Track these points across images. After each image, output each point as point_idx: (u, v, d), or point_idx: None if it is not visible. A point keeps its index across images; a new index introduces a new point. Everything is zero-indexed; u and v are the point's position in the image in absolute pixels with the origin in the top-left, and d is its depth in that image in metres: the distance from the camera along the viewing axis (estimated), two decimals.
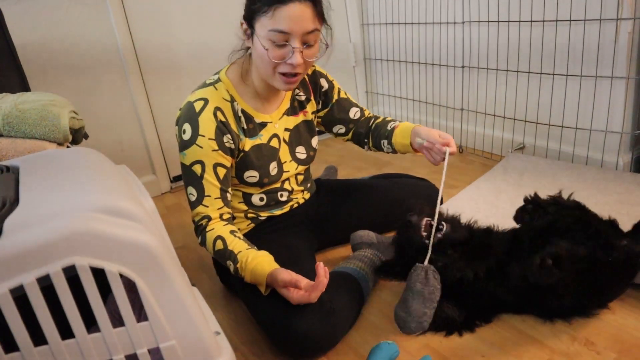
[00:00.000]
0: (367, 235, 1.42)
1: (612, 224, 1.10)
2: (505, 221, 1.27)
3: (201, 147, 1.14)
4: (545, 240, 1.12)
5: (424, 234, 1.14)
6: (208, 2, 2.12)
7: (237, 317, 1.31)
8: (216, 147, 1.15)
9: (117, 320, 0.67)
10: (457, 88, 2.24)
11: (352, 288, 1.21)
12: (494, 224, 1.23)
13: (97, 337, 0.65)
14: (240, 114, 1.21)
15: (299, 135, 1.34)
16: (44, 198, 0.66)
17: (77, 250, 0.60)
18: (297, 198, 1.39)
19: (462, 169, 2.03)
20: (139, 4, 1.97)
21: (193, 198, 1.17)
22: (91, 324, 0.64)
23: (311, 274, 1.06)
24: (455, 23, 2.13)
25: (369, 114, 1.47)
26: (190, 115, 1.15)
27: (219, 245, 1.13)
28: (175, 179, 2.25)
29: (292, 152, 1.33)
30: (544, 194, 1.65)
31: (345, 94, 1.43)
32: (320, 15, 1.11)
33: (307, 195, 1.43)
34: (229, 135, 1.17)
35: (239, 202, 1.30)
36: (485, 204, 1.67)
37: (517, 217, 1.14)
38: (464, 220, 1.25)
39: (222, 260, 1.15)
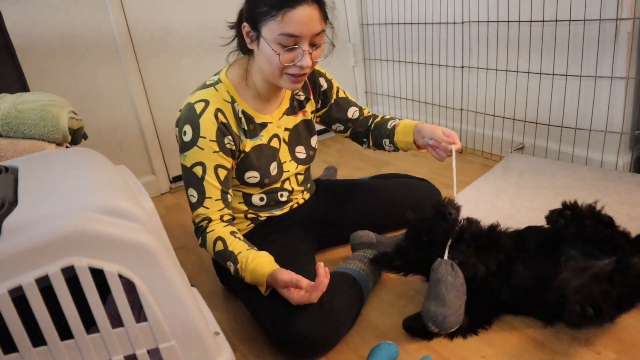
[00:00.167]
0: (366, 235, 1.42)
1: (628, 237, 1.10)
2: (505, 221, 1.26)
3: (202, 149, 1.14)
4: (554, 245, 1.12)
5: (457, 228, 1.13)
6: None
7: (237, 317, 1.30)
8: (217, 149, 1.15)
9: (116, 321, 0.66)
10: (456, 88, 2.24)
11: (352, 288, 1.21)
12: (497, 221, 1.23)
13: (96, 337, 0.65)
14: (240, 115, 1.21)
15: (299, 135, 1.34)
16: (43, 198, 0.66)
17: (76, 251, 0.60)
18: (297, 198, 1.39)
19: (462, 169, 2.03)
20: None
21: (194, 199, 1.17)
22: (90, 324, 0.64)
23: (311, 275, 1.06)
24: (454, 23, 2.13)
25: (368, 112, 1.47)
26: (190, 117, 1.15)
27: (219, 246, 1.13)
28: (175, 179, 2.25)
29: (292, 152, 1.33)
30: (544, 195, 1.65)
31: (344, 93, 1.43)
32: (325, 16, 1.11)
33: (307, 196, 1.43)
34: (229, 137, 1.17)
35: (239, 203, 1.30)
36: (485, 204, 1.67)
37: (551, 219, 1.13)
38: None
39: (223, 261, 1.15)
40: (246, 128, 1.22)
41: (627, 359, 1.00)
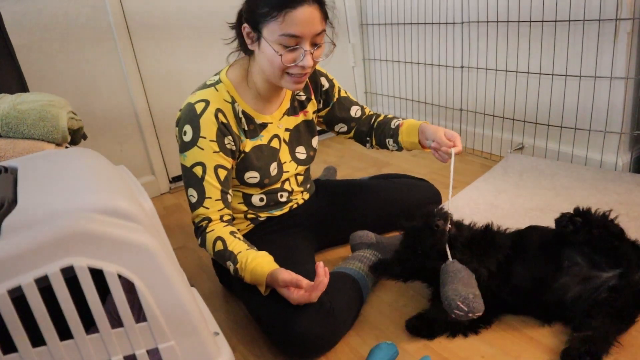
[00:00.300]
0: (366, 235, 1.42)
1: (636, 249, 1.10)
2: (505, 221, 1.27)
3: (202, 149, 1.14)
4: (556, 248, 1.12)
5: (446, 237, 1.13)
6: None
7: (236, 317, 1.30)
8: (217, 149, 1.15)
9: (115, 321, 0.66)
10: (456, 88, 2.24)
11: (351, 288, 1.21)
12: (492, 222, 1.23)
13: (96, 337, 0.65)
14: (241, 115, 1.21)
15: (299, 136, 1.34)
16: (43, 199, 0.66)
17: (75, 251, 0.60)
18: (296, 199, 1.39)
19: (462, 169, 2.03)
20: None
21: (194, 200, 1.17)
22: (90, 324, 0.64)
23: (311, 275, 1.06)
24: (454, 23, 2.13)
25: (369, 112, 1.47)
26: (191, 117, 1.15)
27: (219, 246, 1.13)
28: (174, 179, 2.25)
29: (292, 152, 1.33)
30: (544, 195, 1.65)
31: (346, 92, 1.43)
32: (326, 16, 1.11)
33: (306, 196, 1.43)
34: (230, 137, 1.17)
35: (239, 203, 1.30)
36: (485, 205, 1.67)
37: (562, 224, 1.12)
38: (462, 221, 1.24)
39: (222, 261, 1.14)
40: (246, 128, 1.22)
41: (627, 359, 1.00)
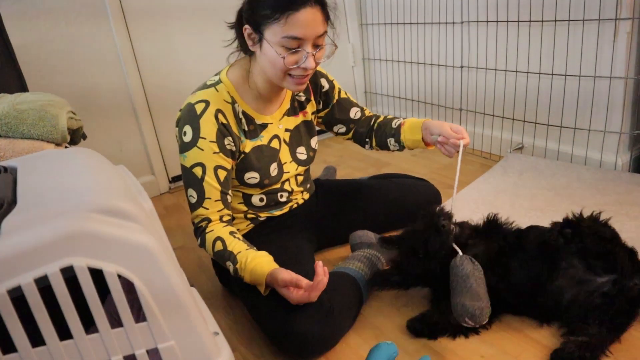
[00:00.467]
0: (366, 235, 1.42)
1: (632, 255, 1.10)
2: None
3: (202, 150, 1.14)
4: (555, 250, 1.11)
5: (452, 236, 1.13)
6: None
7: (236, 317, 1.30)
8: (217, 150, 1.15)
9: (115, 321, 0.66)
10: (455, 88, 2.24)
11: (351, 288, 1.21)
12: (492, 213, 1.24)
13: (96, 337, 0.65)
14: (241, 115, 1.21)
15: (300, 136, 1.34)
16: (42, 198, 0.66)
17: (75, 251, 0.60)
18: (296, 199, 1.39)
19: (461, 169, 2.01)
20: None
21: (193, 200, 1.17)
22: (89, 324, 0.64)
23: (310, 274, 1.06)
24: (454, 23, 2.13)
25: (369, 113, 1.47)
26: (191, 117, 1.14)
27: (219, 246, 1.13)
28: (174, 179, 2.25)
29: (293, 153, 1.33)
30: (543, 195, 1.65)
31: (346, 93, 1.43)
32: (327, 17, 1.11)
33: (306, 196, 1.43)
34: (230, 138, 1.17)
35: (239, 203, 1.30)
36: (485, 204, 1.67)
37: (552, 238, 1.12)
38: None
39: (222, 261, 1.14)
40: (246, 129, 1.22)
41: (626, 359, 1.00)
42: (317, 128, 1.43)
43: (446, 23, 2.17)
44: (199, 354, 0.72)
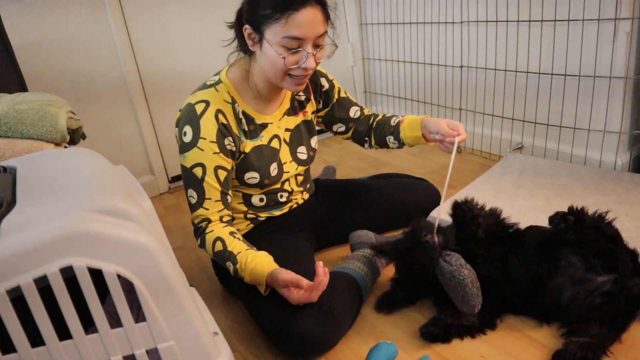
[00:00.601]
0: (365, 235, 1.42)
1: (633, 256, 1.10)
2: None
3: (202, 150, 1.14)
4: (555, 249, 1.12)
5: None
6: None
7: (236, 317, 1.30)
8: (217, 150, 1.15)
9: (115, 321, 0.66)
10: (455, 88, 2.24)
11: (351, 288, 1.21)
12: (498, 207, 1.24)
13: (95, 338, 0.65)
14: (241, 115, 1.20)
15: (300, 136, 1.34)
16: (42, 198, 0.66)
17: (74, 251, 0.60)
18: (296, 199, 1.39)
19: (461, 169, 2.03)
20: (138, 5, 1.97)
21: (193, 200, 1.17)
22: (89, 324, 0.64)
23: (310, 274, 1.06)
24: (453, 23, 2.13)
25: (368, 112, 1.47)
26: (191, 118, 1.14)
27: (219, 246, 1.13)
28: (174, 179, 2.25)
29: (293, 153, 1.33)
30: (543, 195, 1.65)
31: (345, 92, 1.43)
32: (327, 17, 1.11)
33: (306, 196, 1.43)
34: (230, 138, 1.17)
35: (239, 203, 1.30)
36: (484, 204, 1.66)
37: (553, 221, 1.13)
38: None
39: (222, 261, 1.14)
40: (246, 129, 1.22)
41: (626, 359, 1.00)
42: (317, 128, 1.43)
43: (446, 23, 2.16)
44: (199, 354, 0.72)
